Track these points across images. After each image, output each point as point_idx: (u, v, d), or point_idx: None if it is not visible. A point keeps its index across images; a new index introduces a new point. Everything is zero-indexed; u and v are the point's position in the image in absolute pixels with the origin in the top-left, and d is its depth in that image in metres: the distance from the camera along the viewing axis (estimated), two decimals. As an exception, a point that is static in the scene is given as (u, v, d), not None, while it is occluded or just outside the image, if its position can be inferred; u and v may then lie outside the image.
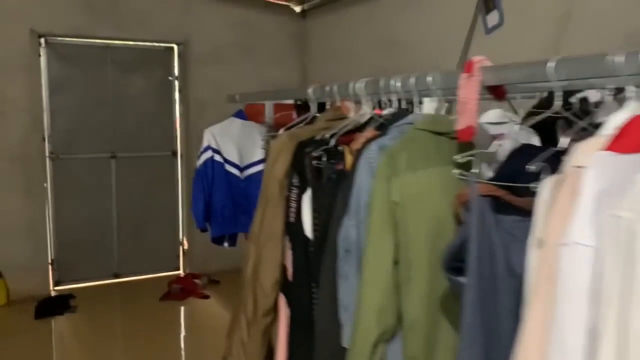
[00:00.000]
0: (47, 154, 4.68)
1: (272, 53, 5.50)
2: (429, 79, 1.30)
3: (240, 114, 2.58)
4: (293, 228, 1.55)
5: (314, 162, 1.50)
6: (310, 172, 1.53)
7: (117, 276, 5.03)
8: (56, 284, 4.79)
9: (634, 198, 0.71)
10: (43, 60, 4.62)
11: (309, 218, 1.51)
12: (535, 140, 1.70)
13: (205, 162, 2.46)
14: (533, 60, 1.06)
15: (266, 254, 1.58)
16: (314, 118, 2.14)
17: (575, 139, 1.48)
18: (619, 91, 1.41)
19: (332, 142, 1.52)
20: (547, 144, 1.66)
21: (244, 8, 5.29)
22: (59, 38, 4.67)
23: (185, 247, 5.33)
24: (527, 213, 0.98)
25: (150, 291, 4.71)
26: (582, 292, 0.75)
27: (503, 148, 1.57)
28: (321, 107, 2.51)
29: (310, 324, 1.49)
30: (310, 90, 1.87)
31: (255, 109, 2.75)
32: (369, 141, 1.32)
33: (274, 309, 1.65)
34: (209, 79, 5.16)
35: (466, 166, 1.33)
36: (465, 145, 1.35)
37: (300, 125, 1.88)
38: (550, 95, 1.73)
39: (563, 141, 1.14)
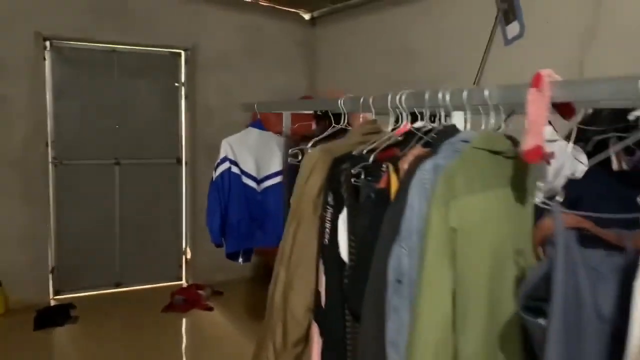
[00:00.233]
0: (50, 159, 4.56)
1: (280, 60, 5.41)
2: (486, 92, 1.19)
3: (257, 124, 2.48)
4: (327, 251, 1.44)
5: (352, 180, 1.40)
6: (346, 191, 1.42)
7: (118, 285, 4.90)
8: (56, 293, 4.66)
9: None
10: (48, 63, 4.51)
11: (344, 240, 1.40)
12: (584, 160, 1.60)
13: (222, 174, 2.35)
14: (612, 76, 0.96)
15: (298, 278, 1.46)
16: (342, 131, 2.04)
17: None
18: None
19: (371, 158, 1.42)
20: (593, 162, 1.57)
21: (252, 14, 5.19)
22: (65, 41, 4.56)
23: (189, 256, 5.21)
24: (613, 246, 0.88)
25: (152, 302, 4.59)
26: None
27: (554, 168, 1.46)
28: (338, 119, 2.42)
29: (344, 355, 1.37)
30: (340, 102, 1.76)
31: (269, 118, 2.65)
32: (418, 159, 1.21)
33: (305, 338, 1.53)
34: (216, 85, 5.06)
35: (524, 189, 1.23)
36: (523, 167, 1.25)
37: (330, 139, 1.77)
38: (598, 112, 1.63)
39: None
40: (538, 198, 0.94)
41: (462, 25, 3.77)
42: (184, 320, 4.40)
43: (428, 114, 1.55)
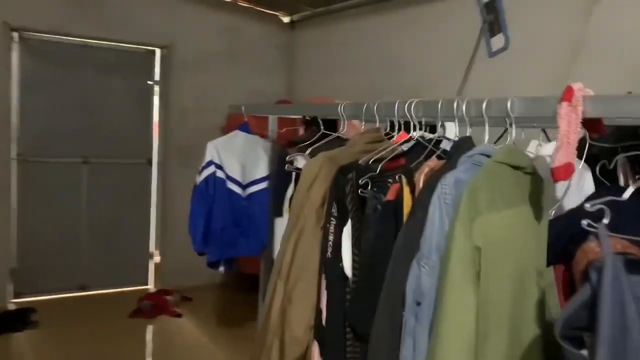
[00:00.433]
0: (13, 156, 4.34)
1: (258, 63, 5.31)
2: (508, 104, 1.14)
3: (244, 127, 2.38)
4: (330, 265, 1.36)
5: (359, 190, 1.33)
6: (352, 202, 1.35)
7: (83, 289, 4.69)
8: (16, 296, 4.42)
9: None
10: (15, 55, 4.30)
11: (349, 254, 1.33)
12: (589, 176, 1.57)
13: (207, 179, 2.25)
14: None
15: (298, 293, 1.38)
16: (334, 137, 1.97)
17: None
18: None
19: (379, 168, 1.35)
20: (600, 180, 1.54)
21: (232, 15, 5.08)
22: (35, 34, 4.35)
23: (157, 260, 5.05)
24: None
25: (118, 306, 4.41)
26: None
27: (563, 185, 1.42)
28: (330, 125, 2.35)
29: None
30: (341, 108, 1.69)
31: (256, 122, 2.56)
32: (437, 173, 1.15)
33: (304, 357, 1.44)
34: (192, 86, 4.92)
35: (540, 206, 1.18)
36: (539, 183, 1.20)
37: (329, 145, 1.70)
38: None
39: None
40: (584, 221, 0.88)
41: (446, 36, 3.76)
42: (151, 327, 4.24)
43: (424, 123, 1.50)
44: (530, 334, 1.06)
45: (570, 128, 1.00)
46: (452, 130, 1.61)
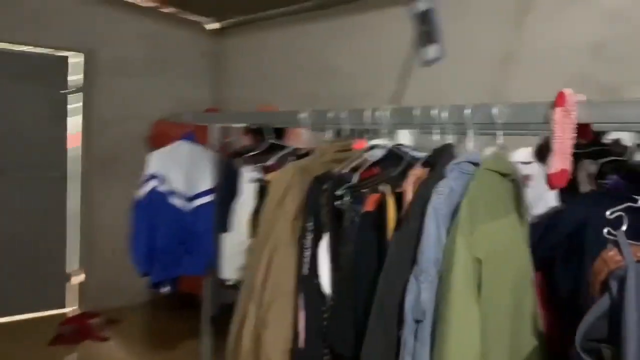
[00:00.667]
0: None
1: (184, 71, 5.10)
2: (494, 110, 1.11)
3: (189, 136, 2.24)
4: (307, 282, 1.27)
5: (337, 202, 1.25)
6: (328, 215, 1.27)
7: (-7, 317, 4.27)
8: None
9: None
10: None
11: (326, 270, 1.25)
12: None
13: (149, 193, 2.07)
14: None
15: (274, 315, 1.27)
16: (278, 147, 1.92)
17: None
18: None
19: (355, 178, 1.29)
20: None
21: (155, 22, 4.86)
22: None
23: (77, 281, 4.69)
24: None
25: (36, 334, 4.04)
26: None
27: (536, 190, 1.43)
28: (279, 133, 2.27)
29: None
30: (303, 116, 1.61)
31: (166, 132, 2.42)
32: (427, 182, 1.10)
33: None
34: (113, 95, 4.63)
35: (522, 213, 1.16)
36: (520, 189, 1.19)
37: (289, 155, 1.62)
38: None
39: None
40: (605, 229, 0.86)
41: (381, 45, 3.79)
42: (75, 354, 3.92)
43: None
44: (529, 346, 1.03)
45: (564, 134, 0.98)
46: (405, 138, 1.59)
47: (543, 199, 1.43)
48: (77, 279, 4.71)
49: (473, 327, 0.95)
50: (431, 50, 3.47)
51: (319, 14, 4.16)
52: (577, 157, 1.48)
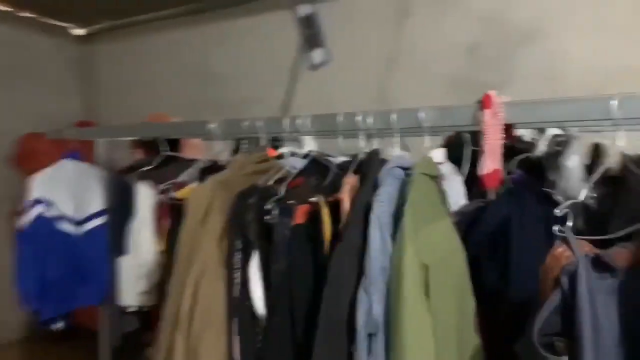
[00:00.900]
0: None
1: (49, 81, 4.66)
2: (421, 115, 1.12)
3: (74, 154, 2.02)
4: (239, 305, 1.19)
5: (265, 217, 1.19)
6: (256, 231, 1.20)
7: None
8: None
9: None
10: None
11: (259, 290, 1.18)
12: (459, 180, 1.65)
13: (35, 221, 1.83)
14: (567, 97, 0.97)
15: (206, 345, 1.17)
16: (173, 158, 1.82)
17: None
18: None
19: (282, 190, 1.23)
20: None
21: (12, 27, 4.38)
22: None
23: None
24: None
25: None
26: None
27: (454, 189, 1.47)
28: (173, 145, 2.14)
29: None
30: (213, 126, 1.52)
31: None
32: (360, 190, 1.07)
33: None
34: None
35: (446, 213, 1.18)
36: (441, 190, 1.21)
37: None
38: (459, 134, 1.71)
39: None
40: (555, 227, 0.89)
41: (266, 50, 3.74)
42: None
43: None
44: (472, 343, 1.04)
45: (495, 135, 1.01)
46: (311, 145, 1.57)
47: (453, 199, 1.48)
48: None
49: (427, 334, 0.94)
50: (317, 55, 3.49)
51: (198, 18, 4.02)
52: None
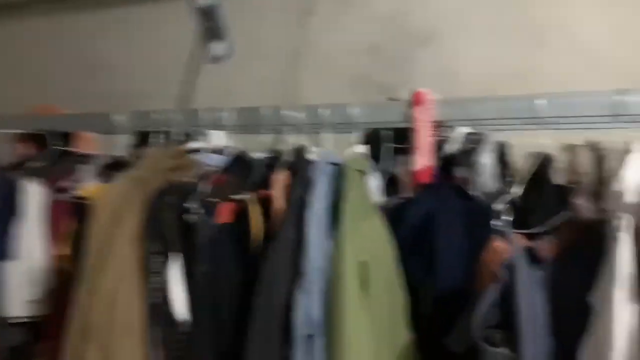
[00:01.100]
0: None
1: None
2: (355, 110, 1.11)
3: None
4: (160, 312, 1.10)
5: (186, 216, 1.11)
6: (175, 232, 1.12)
7: None
8: None
9: None
10: None
11: (180, 295, 1.10)
12: (377, 177, 1.67)
13: None
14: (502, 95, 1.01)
15: (126, 354, 1.07)
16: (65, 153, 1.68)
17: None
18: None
19: (205, 188, 1.16)
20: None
21: None
22: None
23: None
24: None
25: None
26: None
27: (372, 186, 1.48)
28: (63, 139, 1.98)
29: None
30: (120, 118, 1.40)
31: None
32: (292, 187, 1.04)
33: None
34: None
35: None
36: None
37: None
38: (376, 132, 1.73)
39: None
40: (493, 221, 0.90)
41: (161, 41, 3.55)
42: None
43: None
44: (403, 339, 1.05)
45: (425, 132, 1.02)
46: (220, 139, 1.52)
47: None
48: None
49: (367, 332, 0.93)
50: (218, 48, 3.38)
51: (84, 3, 3.73)
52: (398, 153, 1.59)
